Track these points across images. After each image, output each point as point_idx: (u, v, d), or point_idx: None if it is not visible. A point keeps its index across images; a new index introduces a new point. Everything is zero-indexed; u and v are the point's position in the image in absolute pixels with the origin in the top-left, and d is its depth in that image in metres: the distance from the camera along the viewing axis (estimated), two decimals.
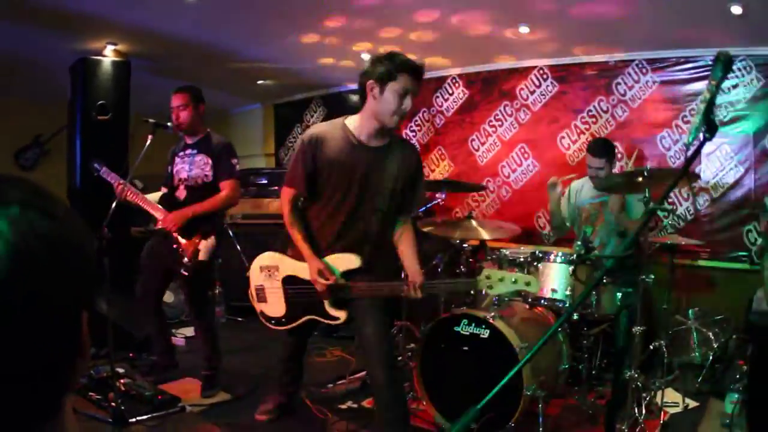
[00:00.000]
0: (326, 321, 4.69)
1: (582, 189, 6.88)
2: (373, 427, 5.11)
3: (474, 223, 6.36)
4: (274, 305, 4.87)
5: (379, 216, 4.60)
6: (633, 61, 8.14)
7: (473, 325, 5.28)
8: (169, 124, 5.97)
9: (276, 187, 9.08)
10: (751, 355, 3.21)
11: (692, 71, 7.65)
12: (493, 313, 5.27)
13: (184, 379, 6.36)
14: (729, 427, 4.88)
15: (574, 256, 5.77)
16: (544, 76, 8.80)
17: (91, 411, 5.19)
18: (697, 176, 6.75)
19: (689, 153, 2.50)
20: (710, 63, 7.16)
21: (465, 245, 6.49)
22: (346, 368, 6.53)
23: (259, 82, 10.33)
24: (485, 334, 5.21)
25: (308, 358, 6.03)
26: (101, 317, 5.11)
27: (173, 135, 6.17)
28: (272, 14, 7.11)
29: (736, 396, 5.14)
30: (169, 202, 5.96)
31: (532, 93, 8.89)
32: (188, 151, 6.03)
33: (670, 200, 7.69)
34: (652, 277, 5.84)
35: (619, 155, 7.79)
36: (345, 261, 4.58)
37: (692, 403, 6.03)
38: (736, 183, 7.40)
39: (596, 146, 6.66)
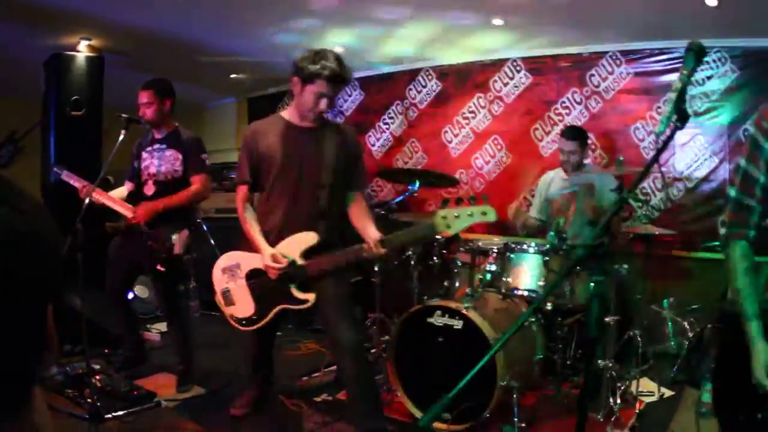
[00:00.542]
0: (296, 306, 4.64)
1: (553, 181, 6.87)
2: (348, 420, 5.08)
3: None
4: (243, 305, 4.83)
5: (325, 191, 4.64)
6: (607, 52, 8.14)
7: (447, 316, 5.25)
8: (141, 119, 5.91)
9: None
10: (720, 342, 3.21)
11: (666, 62, 7.65)
12: (466, 305, 5.23)
13: (159, 374, 6.31)
14: (705, 416, 4.87)
15: (547, 246, 5.76)
16: (518, 68, 8.77)
17: (68, 408, 5.11)
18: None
19: (660, 142, 2.46)
20: (684, 54, 7.17)
21: (438, 237, 6.45)
22: (321, 361, 6.48)
23: (233, 76, 10.25)
24: (459, 325, 5.18)
25: (282, 352, 6.02)
26: (76, 313, 5.06)
27: (147, 130, 6.11)
28: (246, 7, 7.04)
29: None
30: (137, 199, 5.89)
31: (505, 85, 8.86)
32: (156, 146, 5.95)
33: (644, 191, 7.69)
34: (626, 266, 5.85)
35: (592, 146, 7.80)
36: (302, 240, 4.57)
37: (668, 392, 6.03)
38: (711, 174, 7.41)
39: (569, 131, 6.71)
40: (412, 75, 9.60)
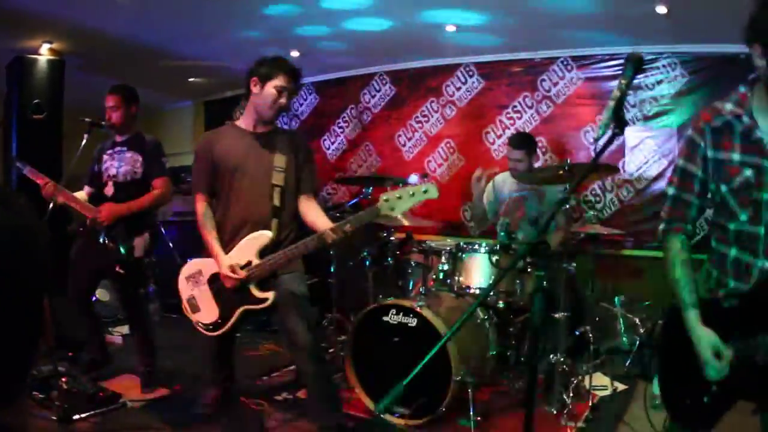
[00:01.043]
0: (257, 306, 4.69)
1: (505, 183, 6.96)
2: (309, 417, 5.15)
3: (400, 215, 6.41)
4: (208, 310, 4.86)
5: (278, 191, 4.70)
6: (558, 58, 8.31)
7: (401, 314, 5.37)
8: (103, 123, 5.92)
9: None
10: (664, 332, 3.32)
11: (617, 68, 7.82)
12: (420, 303, 5.35)
13: (123, 376, 6.31)
14: (657, 408, 4.99)
15: (497, 246, 5.88)
16: (471, 73, 8.90)
17: (36, 410, 5.14)
18: (616, 169, 6.87)
19: (598, 147, 2.57)
20: None
21: (392, 239, 6.55)
22: (280, 361, 6.62)
23: (191, 79, 10.25)
24: (413, 322, 5.31)
25: (242, 353, 6.06)
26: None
27: (109, 134, 6.12)
28: (205, 12, 7.07)
29: None
30: (97, 200, 5.90)
31: (458, 89, 8.98)
32: (117, 149, 5.96)
33: (594, 193, 7.84)
34: (574, 265, 5.98)
35: (543, 149, 7.93)
36: (257, 240, 4.61)
37: (621, 386, 6.16)
38: (660, 175, 7.60)
39: (516, 139, 6.83)
40: (366, 79, 9.68)
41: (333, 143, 10.04)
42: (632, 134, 7.85)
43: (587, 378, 5.81)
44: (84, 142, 5.73)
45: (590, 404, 5.60)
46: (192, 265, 4.86)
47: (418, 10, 7.07)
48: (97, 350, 6.29)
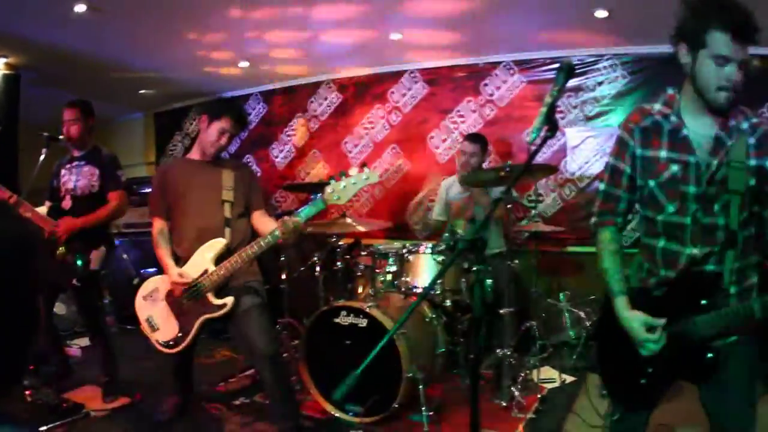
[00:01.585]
0: (216, 314, 4.77)
1: (452, 186, 7.12)
2: (269, 420, 5.25)
3: (349, 220, 6.51)
4: (167, 326, 4.92)
5: (229, 205, 4.94)
6: (501, 62, 8.48)
7: (352, 315, 5.51)
8: (61, 137, 5.96)
9: None
10: (597, 318, 3.48)
11: None
12: (369, 304, 5.50)
13: (85, 387, 6.36)
14: (605, 397, 5.16)
15: (442, 246, 6.07)
16: (415, 79, 9.04)
17: None
18: (554, 169, 7.05)
19: (533, 149, 2.72)
20: (576, 62, 7.55)
21: (341, 243, 6.66)
22: (235, 367, 6.78)
23: (142, 91, 10.25)
24: (363, 323, 5.45)
25: (198, 360, 6.13)
26: None
27: (67, 148, 6.15)
28: (156, 25, 7.12)
29: None
30: (56, 214, 5.92)
31: (403, 96, 9.12)
32: (75, 163, 6.00)
33: (538, 192, 8.00)
34: (517, 262, 6.14)
35: (489, 151, 8.11)
36: (211, 248, 4.75)
37: (569, 379, 6.38)
38: (601, 173, 7.68)
39: (472, 134, 7.08)
40: (313, 88, 9.78)
41: (281, 152, 10.10)
42: (574, 134, 8.04)
43: (535, 371, 6.04)
44: (42, 157, 5.79)
45: (539, 396, 5.80)
46: (148, 284, 4.98)
47: (365, 20, 7.19)
48: (58, 363, 6.34)
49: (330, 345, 5.54)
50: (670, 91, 3.01)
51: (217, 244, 4.74)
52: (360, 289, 6.35)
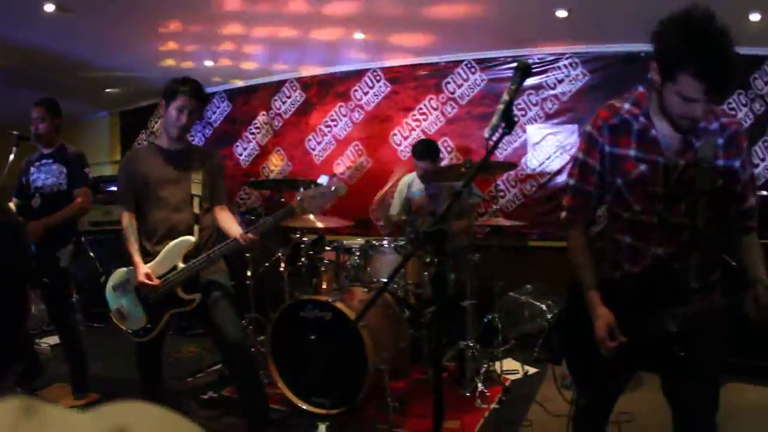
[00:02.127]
0: (185, 308, 4.80)
1: (413, 182, 7.22)
2: (240, 413, 5.29)
3: (312, 217, 6.57)
4: (137, 317, 4.92)
5: (198, 200, 4.90)
6: (463, 61, 8.61)
7: (317, 309, 5.58)
8: (30, 135, 6.00)
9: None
10: (563, 308, 3.57)
11: None
12: (334, 297, 5.59)
13: (55, 384, 6.38)
14: (568, 387, 5.26)
15: (404, 241, 6.21)
16: (378, 78, 9.14)
17: None
18: (513, 165, 7.21)
19: (490, 145, 2.79)
20: (537, 61, 7.68)
21: (305, 239, 6.73)
22: (203, 362, 6.83)
23: (108, 90, 10.24)
24: (328, 316, 5.52)
25: (165, 356, 6.17)
26: None
27: (36, 146, 6.15)
28: (123, 25, 7.13)
29: None
30: (25, 212, 5.94)
31: (365, 94, 9.22)
32: (44, 161, 6.03)
33: (499, 188, 8.15)
34: (478, 255, 6.23)
35: (448, 149, 8.20)
36: (181, 246, 4.75)
37: (531, 370, 6.54)
38: (562, 169, 7.94)
39: (419, 150, 7.02)
40: (276, 86, 9.83)
41: (245, 149, 10.15)
42: (535, 131, 8.19)
43: (498, 363, 6.15)
44: (12, 156, 5.84)
45: (502, 387, 5.93)
46: (119, 275, 4.95)
47: (328, 19, 7.26)
48: (28, 361, 6.34)
49: (296, 338, 5.60)
50: (640, 89, 3.05)
51: (187, 242, 4.75)
52: (324, 284, 6.38)
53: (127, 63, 8.77)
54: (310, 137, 9.62)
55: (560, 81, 8.10)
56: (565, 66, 8.07)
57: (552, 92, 8.13)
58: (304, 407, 5.54)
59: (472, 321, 6.07)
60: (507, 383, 6.07)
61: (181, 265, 4.69)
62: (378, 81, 9.15)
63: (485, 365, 6.09)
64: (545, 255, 7.90)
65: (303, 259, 6.60)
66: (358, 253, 6.27)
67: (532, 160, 8.21)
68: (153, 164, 4.88)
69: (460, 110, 8.65)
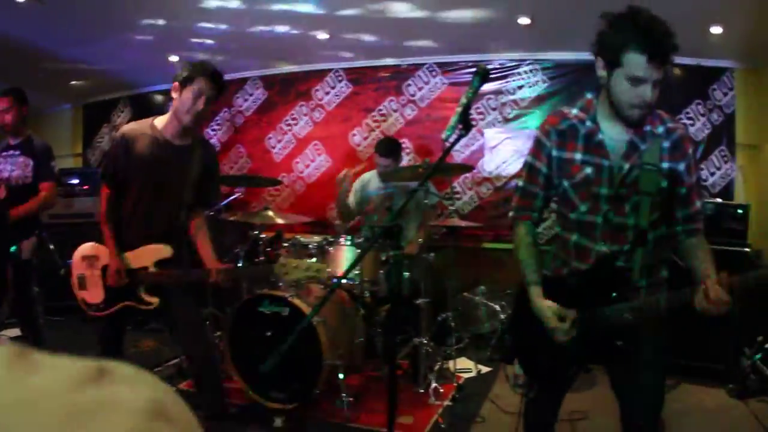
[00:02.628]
0: (141, 306, 4.80)
1: (371, 181, 7.31)
2: (196, 406, 5.31)
3: (270, 213, 6.63)
4: (94, 292, 4.93)
5: (185, 209, 4.83)
6: (424, 64, 8.76)
7: (274, 304, 5.66)
8: None
9: (86, 187, 9.08)
10: (513, 306, 3.71)
11: None
12: (291, 293, 5.67)
13: None
14: (520, 386, 5.40)
15: (361, 239, 6.33)
16: (340, 78, 9.24)
17: None
18: (470, 167, 7.35)
19: (447, 146, 2.92)
20: (498, 66, 7.82)
21: (262, 236, 6.79)
22: (161, 357, 6.88)
23: (73, 82, 10.19)
24: (285, 312, 5.60)
25: (125, 350, 6.21)
26: None
27: (2, 137, 6.15)
28: (92, 16, 7.12)
29: None
30: None
31: (327, 94, 9.30)
32: (10, 152, 6.01)
33: (455, 190, 8.31)
34: (433, 255, 6.35)
35: (407, 150, 8.30)
36: (157, 252, 4.73)
37: (484, 369, 6.67)
38: (518, 173, 7.96)
39: (383, 147, 7.11)
40: (239, 84, 9.86)
41: None
42: (492, 135, 8.35)
43: (452, 362, 6.30)
44: None
45: (456, 384, 6.06)
46: (91, 247, 4.92)
47: (292, 18, 7.34)
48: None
49: (253, 333, 5.66)
50: (589, 96, 3.21)
51: (164, 252, 4.70)
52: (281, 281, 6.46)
53: (93, 55, 8.75)
54: (271, 135, 9.67)
55: (520, 87, 8.28)
56: (525, 72, 8.25)
57: (511, 97, 8.31)
58: (261, 401, 5.60)
59: (427, 319, 6.20)
60: (460, 381, 6.20)
61: (152, 268, 4.71)
62: (340, 81, 9.24)
63: (439, 363, 6.20)
64: (499, 257, 8.06)
65: (261, 257, 6.64)
66: (315, 250, 6.32)
67: (489, 164, 8.37)
68: (149, 155, 4.67)
69: (420, 112, 8.78)
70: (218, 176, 5.23)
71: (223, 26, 7.69)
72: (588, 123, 3.13)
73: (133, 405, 0.58)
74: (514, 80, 8.30)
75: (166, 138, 4.68)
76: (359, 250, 6.12)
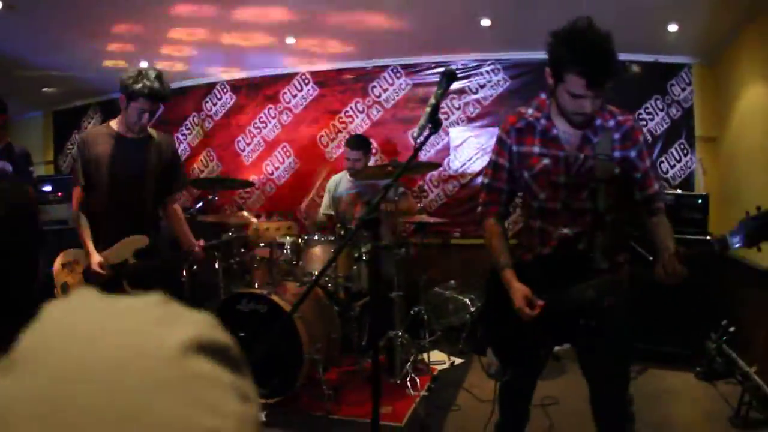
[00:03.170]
0: None
1: (341, 182, 7.52)
2: None
3: (245, 213, 6.78)
4: None
5: (151, 197, 5.07)
6: (389, 66, 8.95)
7: (252, 302, 5.83)
8: None
9: (60, 194, 9.11)
10: (485, 291, 3.94)
11: None
12: (269, 290, 5.86)
13: None
14: (494, 375, 5.61)
15: (334, 237, 6.50)
16: (306, 81, 9.39)
17: None
18: (437, 165, 7.58)
19: (417, 144, 3.13)
20: (460, 67, 8.03)
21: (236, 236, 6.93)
22: None
23: (44, 89, 10.17)
24: (264, 309, 5.78)
25: None
26: None
27: None
28: (65, 23, 7.19)
29: None
30: None
31: (294, 97, 9.45)
32: None
33: (422, 188, 8.59)
34: (404, 249, 6.54)
35: (374, 150, 8.48)
36: (135, 242, 4.90)
37: (458, 360, 6.91)
38: (483, 171, 8.14)
39: (353, 141, 7.36)
40: (208, 88, 9.95)
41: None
42: (457, 134, 8.58)
43: (425, 354, 6.52)
44: None
45: (431, 376, 6.30)
46: (68, 254, 5.04)
47: (259, 24, 7.47)
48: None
49: (232, 331, 5.73)
50: (542, 96, 3.50)
51: (141, 241, 4.90)
52: (257, 279, 6.62)
53: (65, 62, 8.78)
54: (240, 138, 9.78)
55: (482, 86, 8.52)
56: (487, 72, 8.49)
57: (474, 96, 8.55)
58: None
59: (400, 313, 6.39)
60: (435, 372, 6.42)
61: (132, 260, 4.87)
62: (306, 84, 9.39)
63: (413, 355, 6.38)
64: (466, 252, 8.30)
65: (236, 258, 6.80)
66: (290, 249, 6.46)
67: (455, 162, 8.61)
68: (109, 152, 4.94)
69: (386, 113, 8.98)
70: (180, 163, 5.51)
71: (191, 33, 7.79)
72: (543, 120, 3.43)
73: (200, 316, 0.78)
74: (476, 80, 8.53)
75: (121, 134, 4.99)
76: (333, 248, 6.30)
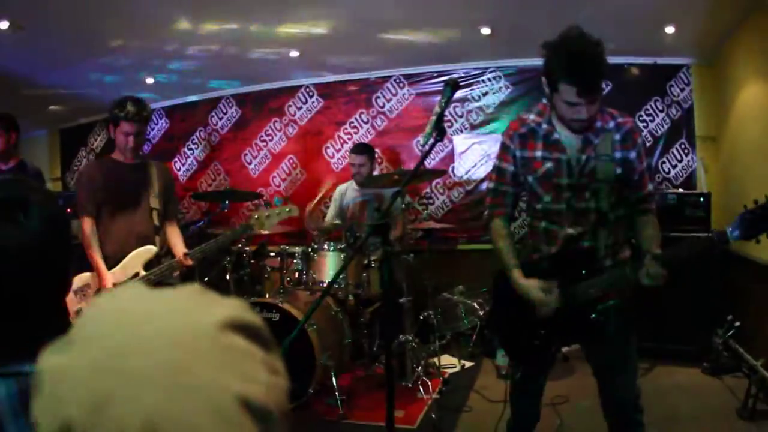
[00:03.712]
0: None
1: (347, 191, 7.62)
2: None
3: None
4: None
5: (156, 212, 5.22)
6: (392, 76, 9.05)
7: (264, 311, 5.90)
8: None
9: (69, 210, 9.15)
10: (492, 292, 4.04)
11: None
12: (280, 299, 5.96)
13: None
14: (505, 377, 5.71)
15: (343, 245, 6.60)
16: (310, 93, 9.48)
17: None
18: (443, 172, 7.69)
19: (424, 152, 3.27)
20: (462, 75, 8.12)
21: (247, 248, 7.06)
22: None
23: (52, 107, 10.27)
24: (276, 317, 5.87)
25: None
26: None
27: None
28: (72, 42, 7.28)
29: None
30: None
31: (299, 109, 9.53)
32: (1, 178, 6.12)
33: (428, 195, 8.73)
34: (412, 255, 6.63)
35: (379, 159, 8.56)
36: (142, 254, 5.05)
37: (468, 364, 7.00)
38: (487, 177, 8.23)
39: (357, 147, 7.52)
40: (213, 103, 10.02)
41: (183, 165, 10.29)
42: (461, 141, 8.67)
43: (436, 358, 6.56)
44: None
45: (442, 379, 6.36)
46: (79, 279, 5.11)
47: (262, 38, 7.57)
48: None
49: None
50: (544, 101, 3.60)
51: (148, 253, 5.04)
52: (268, 289, 6.74)
53: (71, 80, 8.85)
54: (246, 151, 9.85)
55: (484, 93, 8.62)
56: (488, 79, 8.60)
57: (477, 104, 8.64)
58: None
59: (410, 318, 6.49)
60: (446, 376, 6.49)
61: (142, 272, 4.99)
62: (311, 96, 9.48)
63: (424, 359, 6.47)
64: (473, 256, 8.37)
65: (247, 269, 6.94)
66: (300, 257, 6.54)
67: (459, 168, 8.70)
68: (112, 178, 5.12)
69: (390, 123, 9.07)
70: (175, 191, 5.68)
71: (196, 48, 7.88)
72: (544, 125, 3.52)
73: (235, 301, 0.92)
74: (478, 87, 8.63)
75: (117, 160, 5.20)
76: (343, 256, 6.39)
